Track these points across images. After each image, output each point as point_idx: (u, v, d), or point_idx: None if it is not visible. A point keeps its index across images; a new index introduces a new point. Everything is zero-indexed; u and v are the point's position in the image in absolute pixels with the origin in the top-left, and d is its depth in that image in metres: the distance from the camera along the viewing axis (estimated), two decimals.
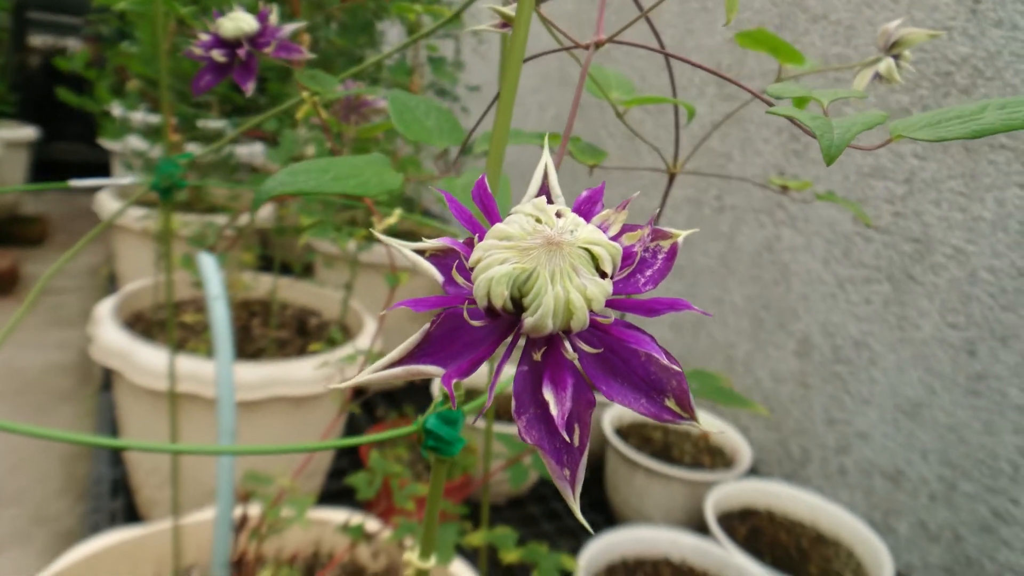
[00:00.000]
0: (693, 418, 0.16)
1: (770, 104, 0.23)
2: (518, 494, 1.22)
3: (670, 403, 0.16)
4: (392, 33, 1.58)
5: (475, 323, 0.16)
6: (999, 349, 0.89)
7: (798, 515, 1.07)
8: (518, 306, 0.15)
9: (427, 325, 0.17)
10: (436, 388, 1.24)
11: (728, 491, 1.06)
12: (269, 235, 1.25)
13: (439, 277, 0.17)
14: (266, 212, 1.38)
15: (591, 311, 0.15)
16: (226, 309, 0.43)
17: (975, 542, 0.91)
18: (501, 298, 0.15)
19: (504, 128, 0.23)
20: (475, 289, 0.15)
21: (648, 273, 0.17)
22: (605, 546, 0.93)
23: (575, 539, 1.15)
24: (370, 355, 0.64)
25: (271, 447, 0.25)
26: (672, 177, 0.40)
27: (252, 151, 1.64)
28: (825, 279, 1.13)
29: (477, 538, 0.49)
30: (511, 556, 0.48)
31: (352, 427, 1.36)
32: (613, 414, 1.21)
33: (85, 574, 0.68)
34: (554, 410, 0.15)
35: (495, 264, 0.15)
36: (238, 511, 0.49)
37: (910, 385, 1.00)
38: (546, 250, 0.15)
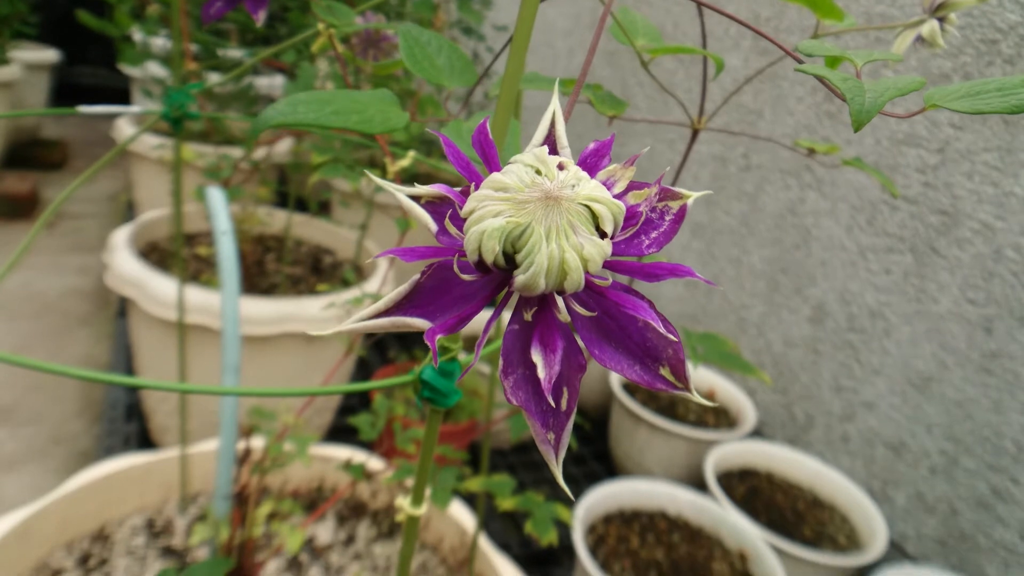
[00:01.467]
0: (687, 388, 0.16)
1: (800, 61, 0.21)
2: (523, 440, 1.24)
3: (664, 372, 0.16)
4: None
5: (465, 277, 0.15)
6: (1016, 329, 0.88)
7: (797, 478, 1.07)
8: (511, 262, 0.14)
9: (416, 276, 0.16)
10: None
11: (729, 451, 1.07)
12: (286, 170, 1.24)
13: (432, 226, 0.16)
14: (283, 147, 1.37)
15: (587, 272, 0.14)
16: (233, 245, 0.43)
17: (971, 517, 0.91)
18: (492, 253, 0.14)
19: (517, 71, 0.21)
20: (466, 242, 0.14)
21: (653, 235, 0.16)
22: (604, 496, 0.94)
23: (576, 486, 1.17)
24: (375, 298, 0.63)
25: (274, 390, 0.24)
26: (695, 133, 0.39)
27: (272, 83, 1.62)
28: (847, 246, 1.11)
29: (475, 484, 0.49)
30: (507, 504, 0.49)
31: (363, 366, 1.37)
32: None
33: (96, 495, 0.70)
34: (542, 373, 0.14)
35: (488, 216, 0.14)
36: (241, 445, 0.50)
37: (922, 358, 0.99)
38: (543, 205, 0.14)
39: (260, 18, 0.38)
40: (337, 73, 0.81)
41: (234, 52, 1.13)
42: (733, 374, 1.30)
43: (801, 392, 1.18)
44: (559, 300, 0.15)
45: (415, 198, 0.17)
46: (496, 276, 0.15)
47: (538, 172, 0.14)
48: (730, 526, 0.92)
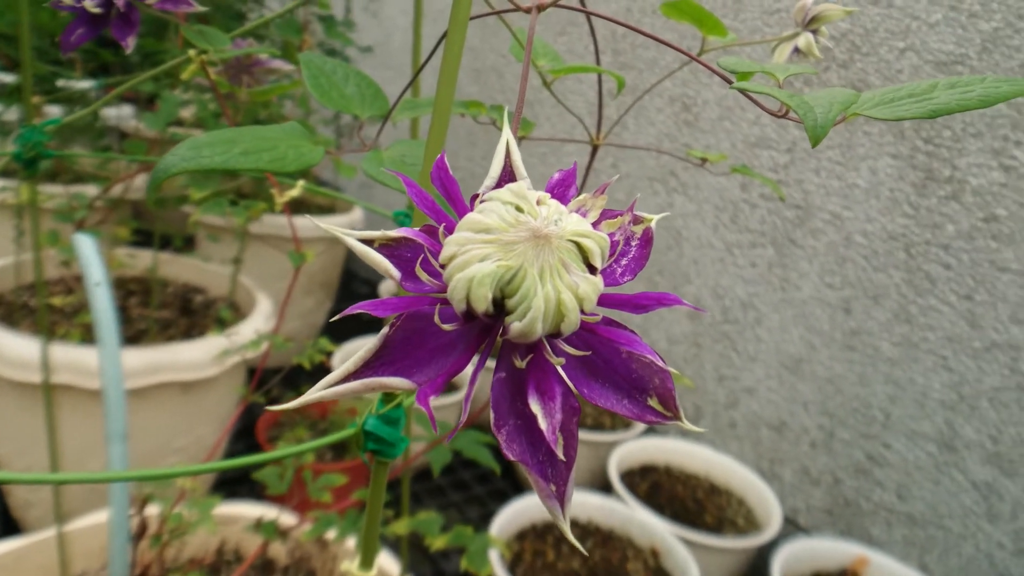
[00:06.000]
0: (677, 417, 0.15)
1: (729, 81, 0.22)
2: (424, 465, 1.21)
3: (653, 402, 0.15)
4: None
5: (445, 327, 0.14)
6: (872, 307, 0.96)
7: (693, 468, 1.12)
8: (499, 308, 0.13)
9: (385, 329, 0.15)
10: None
11: (629, 450, 1.10)
12: (144, 206, 1.14)
13: (395, 273, 0.15)
14: (141, 181, 1.26)
15: (582, 311, 0.13)
16: (110, 297, 0.39)
17: (852, 484, 0.99)
18: (484, 301, 0.13)
19: (447, 97, 0.21)
20: (451, 291, 0.13)
21: (624, 262, 0.16)
22: (515, 512, 0.94)
23: (483, 507, 1.16)
24: (274, 339, 0.59)
25: (165, 471, 0.22)
26: (595, 149, 0.39)
27: (120, 113, 1.50)
28: (714, 244, 1.17)
29: (401, 527, 0.47)
30: (439, 542, 0.47)
31: (246, 409, 1.29)
32: None
33: None
34: (543, 423, 0.13)
35: (474, 261, 0.13)
36: (135, 519, 0.45)
37: (792, 342, 1.06)
38: (533, 244, 0.13)
39: (129, 44, 0.34)
40: (198, 99, 0.76)
41: (77, 83, 1.03)
42: None
43: (688, 385, 1.23)
44: (548, 343, 0.14)
45: (367, 242, 0.16)
46: (479, 323, 0.14)
47: (519, 209, 0.14)
48: (638, 524, 0.94)
